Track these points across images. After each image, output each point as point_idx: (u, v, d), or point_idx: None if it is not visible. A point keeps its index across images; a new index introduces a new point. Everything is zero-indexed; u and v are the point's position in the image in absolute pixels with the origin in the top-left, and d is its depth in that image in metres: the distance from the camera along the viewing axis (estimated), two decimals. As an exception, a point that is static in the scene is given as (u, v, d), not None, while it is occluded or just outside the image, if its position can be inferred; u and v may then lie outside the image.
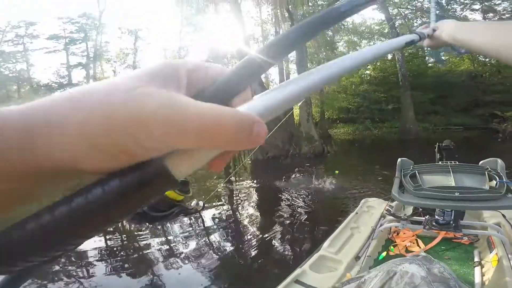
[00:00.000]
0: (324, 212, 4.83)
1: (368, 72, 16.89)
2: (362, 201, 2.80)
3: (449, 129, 12.34)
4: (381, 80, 14.83)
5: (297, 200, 5.60)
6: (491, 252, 1.76)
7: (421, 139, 10.82)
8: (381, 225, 2.10)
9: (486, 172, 1.62)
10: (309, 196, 5.87)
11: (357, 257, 1.88)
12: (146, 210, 0.44)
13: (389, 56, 16.00)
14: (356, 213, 2.52)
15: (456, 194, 1.43)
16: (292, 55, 16.95)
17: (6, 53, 18.01)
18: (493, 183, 1.53)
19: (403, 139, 10.85)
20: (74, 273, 3.25)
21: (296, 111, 15.96)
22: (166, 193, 0.39)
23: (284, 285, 1.57)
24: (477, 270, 1.69)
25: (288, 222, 4.42)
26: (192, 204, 0.51)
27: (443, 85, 13.24)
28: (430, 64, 15.76)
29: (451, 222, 1.66)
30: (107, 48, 21.64)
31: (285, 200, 5.71)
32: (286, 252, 3.58)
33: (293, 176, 8.02)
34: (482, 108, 12.76)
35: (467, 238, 2.04)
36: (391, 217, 2.10)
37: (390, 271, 0.71)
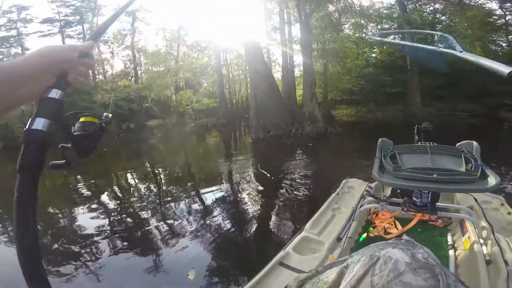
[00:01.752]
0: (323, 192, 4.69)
1: (374, 55, 16.46)
2: (343, 181, 2.81)
3: (454, 115, 12.14)
4: (387, 64, 14.49)
5: (297, 180, 5.35)
6: (463, 235, 1.80)
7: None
8: (361, 206, 2.11)
9: (462, 154, 1.59)
10: (309, 176, 5.62)
11: (338, 238, 1.90)
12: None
13: (397, 40, 15.54)
14: (337, 193, 2.54)
15: (434, 175, 1.42)
16: (296, 35, 16.49)
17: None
18: (469, 166, 1.50)
19: (408, 123, 10.61)
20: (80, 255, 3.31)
21: (299, 91, 15.69)
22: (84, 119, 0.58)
23: (268, 268, 1.58)
24: (451, 253, 1.72)
25: (287, 201, 4.26)
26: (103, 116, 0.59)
27: (452, 72, 12.91)
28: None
29: (428, 204, 1.66)
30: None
31: (285, 180, 5.46)
32: (280, 229, 3.58)
33: (295, 155, 7.83)
34: (491, 97, 12.48)
35: (441, 221, 2.10)
36: (371, 198, 2.09)
37: (373, 255, 0.68)
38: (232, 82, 22.06)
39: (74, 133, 0.58)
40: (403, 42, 1.61)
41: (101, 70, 21.75)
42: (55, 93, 0.46)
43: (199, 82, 23.51)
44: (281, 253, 1.71)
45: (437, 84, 12.94)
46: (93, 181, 7.30)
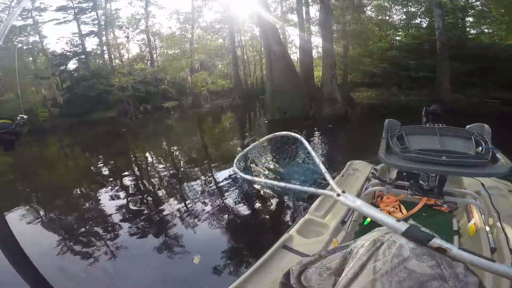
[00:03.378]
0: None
1: (398, 38, 15.59)
2: (348, 163, 2.73)
3: (485, 102, 11.36)
4: (413, 47, 13.72)
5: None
6: (469, 222, 1.74)
7: (454, 110, 10.01)
8: (366, 189, 2.06)
9: (472, 137, 1.50)
10: (328, 157, 5.39)
11: (343, 222, 1.87)
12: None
13: (424, 24, 14.64)
14: (342, 175, 2.48)
15: (443, 158, 1.34)
16: (315, 16, 15.76)
17: (17, 27, 17.90)
18: (479, 149, 1.42)
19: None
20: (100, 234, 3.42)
21: (317, 72, 15.21)
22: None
23: (272, 251, 1.58)
24: (455, 239, 1.68)
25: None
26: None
27: (485, 58, 12.05)
28: (470, 36, 14.26)
29: (435, 188, 1.60)
30: (118, 15, 21.01)
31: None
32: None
33: (314, 136, 7.58)
34: (528, 84, 11.51)
35: (447, 206, 2.03)
36: (376, 181, 2.05)
37: (376, 240, 0.67)
38: (247, 63, 21.69)
39: None
40: (275, 182, 1.32)
41: (117, 55, 21.99)
42: None
43: (214, 64, 23.29)
44: (285, 236, 1.70)
45: (468, 69, 12.15)
46: (112, 161, 7.52)
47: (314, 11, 15.69)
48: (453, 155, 1.36)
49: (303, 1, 12.84)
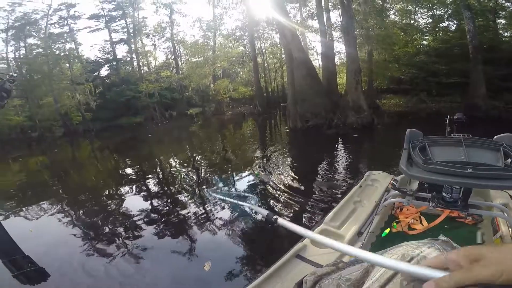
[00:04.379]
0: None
1: (425, 42, 14.99)
2: (366, 173, 2.66)
3: (524, 108, 10.49)
4: (442, 52, 13.11)
5: (341, 173, 4.99)
6: (494, 235, 1.69)
7: (490, 117, 9.40)
8: (385, 200, 2.00)
9: (501, 148, 1.43)
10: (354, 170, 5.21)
11: (359, 233, 1.83)
12: None
13: (453, 27, 14.02)
14: (360, 186, 2.44)
15: (469, 170, 1.29)
16: (336, 21, 15.60)
17: (55, 34, 19.36)
18: (508, 160, 1.36)
19: (470, 115, 9.53)
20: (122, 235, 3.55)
21: (340, 79, 14.93)
22: None
23: (285, 260, 1.57)
24: None
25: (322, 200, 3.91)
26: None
27: None
28: (504, 39, 13.41)
29: (459, 200, 1.53)
30: (145, 23, 22.15)
31: (320, 174, 5.14)
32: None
33: (338, 146, 7.39)
34: None
35: (471, 218, 1.95)
36: (396, 192, 1.97)
37: (405, 255, 0.63)
38: (267, 71, 21.82)
39: None
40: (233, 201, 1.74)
41: (145, 62, 23.13)
42: None
43: (236, 71, 23.73)
44: (298, 245, 1.68)
45: (502, 73, 11.37)
46: (138, 165, 7.83)
47: (335, 16, 15.61)
48: (480, 167, 1.30)
49: (323, 7, 12.78)
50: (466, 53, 11.17)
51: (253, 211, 1.63)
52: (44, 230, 3.98)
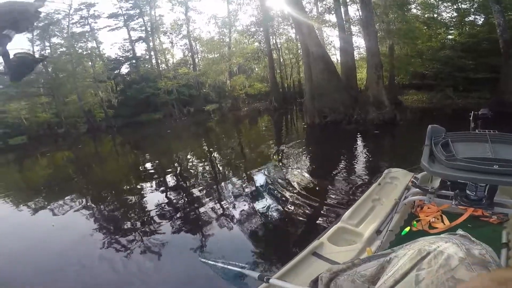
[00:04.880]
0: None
1: (451, 36, 14.34)
2: (385, 171, 2.60)
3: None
4: (469, 46, 12.48)
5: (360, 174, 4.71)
6: None
7: None
8: (405, 198, 1.97)
9: None
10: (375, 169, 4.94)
11: (378, 231, 1.80)
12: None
13: (480, 21, 13.33)
14: (379, 184, 2.39)
15: (495, 167, 1.25)
16: (355, 16, 15.14)
17: (77, 33, 20.07)
18: None
19: (499, 112, 9.05)
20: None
21: (359, 74, 14.53)
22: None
23: (301, 257, 1.56)
24: (503, 252, 1.54)
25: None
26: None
27: None
28: None
29: (483, 198, 1.47)
30: (162, 21, 22.50)
31: (339, 171, 4.98)
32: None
33: (359, 143, 7.17)
34: None
35: (496, 217, 1.85)
36: (417, 190, 1.95)
37: (422, 249, 0.63)
38: (283, 66, 21.63)
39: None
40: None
41: (163, 59, 23.61)
42: None
43: (251, 67, 23.74)
44: (315, 243, 1.67)
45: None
46: (157, 160, 8.03)
47: (353, 10, 15.15)
48: (507, 164, 1.25)
49: (341, 1, 12.46)
50: (496, 47, 10.56)
51: (245, 274, 1.70)
52: (67, 225, 4.18)
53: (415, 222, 1.94)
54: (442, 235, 0.69)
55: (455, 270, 0.55)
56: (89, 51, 20.84)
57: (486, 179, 1.30)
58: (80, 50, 20.30)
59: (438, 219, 1.95)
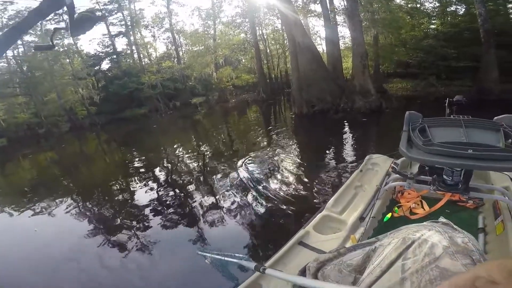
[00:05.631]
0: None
1: (433, 26, 14.68)
2: (367, 157, 2.62)
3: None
4: (451, 36, 12.85)
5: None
6: (496, 218, 1.66)
7: (504, 101, 9.21)
8: (386, 184, 2.00)
9: (501, 128, 1.41)
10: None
11: (361, 218, 1.81)
12: None
13: (461, 11, 13.72)
14: (361, 170, 2.40)
15: (469, 151, 1.28)
16: (340, 5, 15.08)
17: (50, 30, 18.89)
18: (509, 141, 1.35)
19: (480, 99, 9.40)
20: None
21: (345, 64, 14.66)
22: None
23: (287, 247, 1.56)
24: (480, 237, 1.59)
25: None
26: None
27: None
28: None
29: (459, 183, 1.51)
30: (143, 15, 21.73)
31: (327, 158, 5.07)
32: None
33: (347, 131, 7.28)
34: None
35: (472, 202, 1.93)
36: (397, 176, 1.97)
37: (406, 238, 0.63)
38: (270, 57, 21.45)
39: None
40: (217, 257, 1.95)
41: (146, 54, 22.83)
42: None
43: (238, 59, 23.40)
44: (301, 232, 1.68)
45: (514, 57, 11.07)
46: (144, 156, 7.87)
47: (338, 0, 15.12)
48: (480, 148, 1.28)
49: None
50: (477, 37, 10.88)
51: (242, 265, 1.67)
52: (52, 229, 4.05)
53: (396, 208, 1.97)
54: (425, 223, 0.69)
55: (440, 259, 0.55)
56: (66, 48, 19.85)
57: (461, 164, 1.33)
58: (56, 47, 19.31)
59: (418, 204, 2.00)
